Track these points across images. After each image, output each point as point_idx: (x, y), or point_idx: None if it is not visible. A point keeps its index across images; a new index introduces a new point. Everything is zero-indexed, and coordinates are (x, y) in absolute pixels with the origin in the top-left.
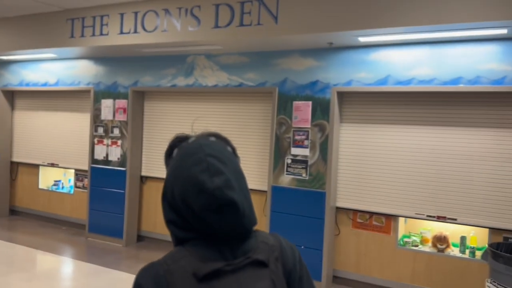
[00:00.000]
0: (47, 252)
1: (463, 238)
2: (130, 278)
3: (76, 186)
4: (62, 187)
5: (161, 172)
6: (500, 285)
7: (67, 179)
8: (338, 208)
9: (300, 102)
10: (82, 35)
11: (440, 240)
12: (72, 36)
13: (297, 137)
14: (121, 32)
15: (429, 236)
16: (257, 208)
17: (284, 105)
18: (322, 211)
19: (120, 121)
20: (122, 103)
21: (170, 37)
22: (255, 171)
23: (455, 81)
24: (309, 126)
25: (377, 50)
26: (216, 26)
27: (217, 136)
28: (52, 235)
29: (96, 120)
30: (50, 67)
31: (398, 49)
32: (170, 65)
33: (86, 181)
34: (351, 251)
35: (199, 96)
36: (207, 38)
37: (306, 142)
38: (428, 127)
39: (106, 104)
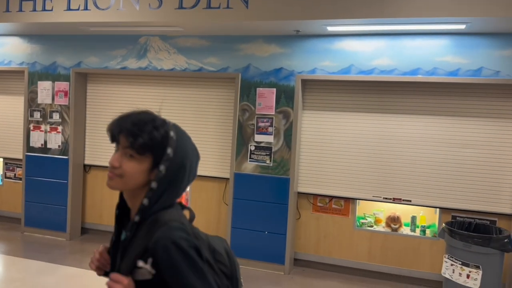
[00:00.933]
0: None
1: (413, 218)
2: (83, 273)
3: (5, 177)
4: None
5: (106, 160)
6: (457, 259)
7: None
8: (299, 193)
9: (264, 89)
10: (20, 10)
11: (394, 220)
12: (7, 10)
13: (260, 124)
14: (69, 8)
15: (382, 216)
16: (217, 196)
17: (247, 92)
18: (286, 196)
19: (60, 105)
20: (63, 85)
21: (127, 16)
22: (215, 159)
23: (414, 71)
24: (273, 113)
25: (341, 40)
26: (181, 7)
27: None
28: None
29: (31, 104)
30: None
31: (362, 40)
32: (119, 46)
33: (19, 171)
34: (311, 234)
35: (154, 80)
36: (169, 19)
37: (270, 129)
38: (387, 115)
39: (44, 86)
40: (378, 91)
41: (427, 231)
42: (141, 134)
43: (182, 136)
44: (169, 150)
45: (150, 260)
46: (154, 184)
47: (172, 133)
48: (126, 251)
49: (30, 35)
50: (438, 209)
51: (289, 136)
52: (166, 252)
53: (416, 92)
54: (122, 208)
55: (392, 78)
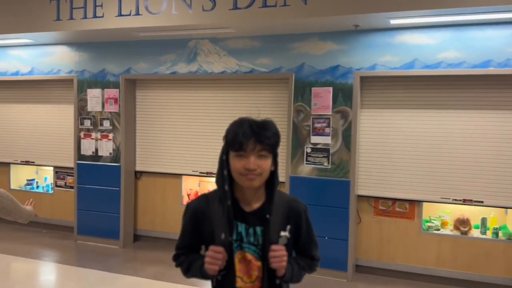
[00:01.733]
0: (35, 259)
1: (484, 220)
2: (142, 282)
3: (56, 185)
4: (37, 187)
5: (157, 166)
6: None
7: (42, 177)
8: (358, 196)
9: (319, 88)
10: (71, 18)
11: (463, 223)
12: (58, 19)
13: (317, 125)
14: (120, 14)
15: (448, 219)
16: None
17: (302, 92)
18: (346, 200)
19: (111, 113)
20: (112, 92)
21: (180, 19)
22: None
23: (485, 64)
24: (330, 113)
25: (402, 33)
26: (235, 7)
27: None
28: (33, 240)
29: (81, 112)
30: (21, 54)
31: (425, 32)
32: (168, 51)
33: (70, 179)
34: (374, 239)
35: (204, 84)
36: (222, 21)
37: (327, 130)
38: (455, 110)
39: (93, 94)
40: (444, 86)
41: (500, 233)
42: (276, 137)
43: None
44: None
45: (288, 227)
46: (276, 172)
47: None
48: (268, 230)
49: (78, 43)
50: (509, 210)
51: (348, 137)
52: (305, 214)
53: (487, 86)
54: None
55: (461, 72)
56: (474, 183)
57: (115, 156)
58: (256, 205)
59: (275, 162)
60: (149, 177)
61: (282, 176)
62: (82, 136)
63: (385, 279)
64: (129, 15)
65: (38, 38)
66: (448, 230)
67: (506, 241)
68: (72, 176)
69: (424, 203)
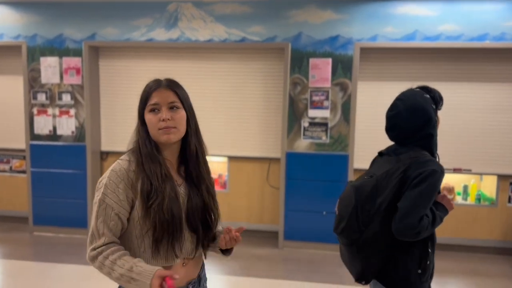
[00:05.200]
0: None
1: (465, 187)
2: None
3: None
4: None
5: (126, 145)
6: None
7: None
8: (355, 170)
9: (318, 59)
10: None
11: (450, 191)
12: None
13: (315, 98)
14: None
15: None
16: (260, 178)
17: (299, 63)
18: (345, 174)
19: (72, 85)
20: (73, 61)
21: None
22: (258, 138)
23: (482, 37)
24: (329, 85)
25: (404, 4)
26: None
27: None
28: None
29: (33, 85)
30: None
31: (426, 3)
32: (143, 14)
33: (17, 163)
34: None
35: (187, 53)
36: None
37: (326, 103)
38: (450, 82)
39: (49, 63)
40: (443, 58)
41: (481, 199)
42: None
43: None
44: None
45: None
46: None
47: None
48: None
49: (24, 2)
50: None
51: (347, 110)
52: None
53: (482, 59)
54: None
55: (459, 45)
56: (462, 152)
57: (79, 134)
58: None
59: None
60: (116, 158)
61: (270, 152)
62: (35, 112)
63: None
64: None
65: None
66: None
67: (489, 206)
68: (19, 158)
69: None
